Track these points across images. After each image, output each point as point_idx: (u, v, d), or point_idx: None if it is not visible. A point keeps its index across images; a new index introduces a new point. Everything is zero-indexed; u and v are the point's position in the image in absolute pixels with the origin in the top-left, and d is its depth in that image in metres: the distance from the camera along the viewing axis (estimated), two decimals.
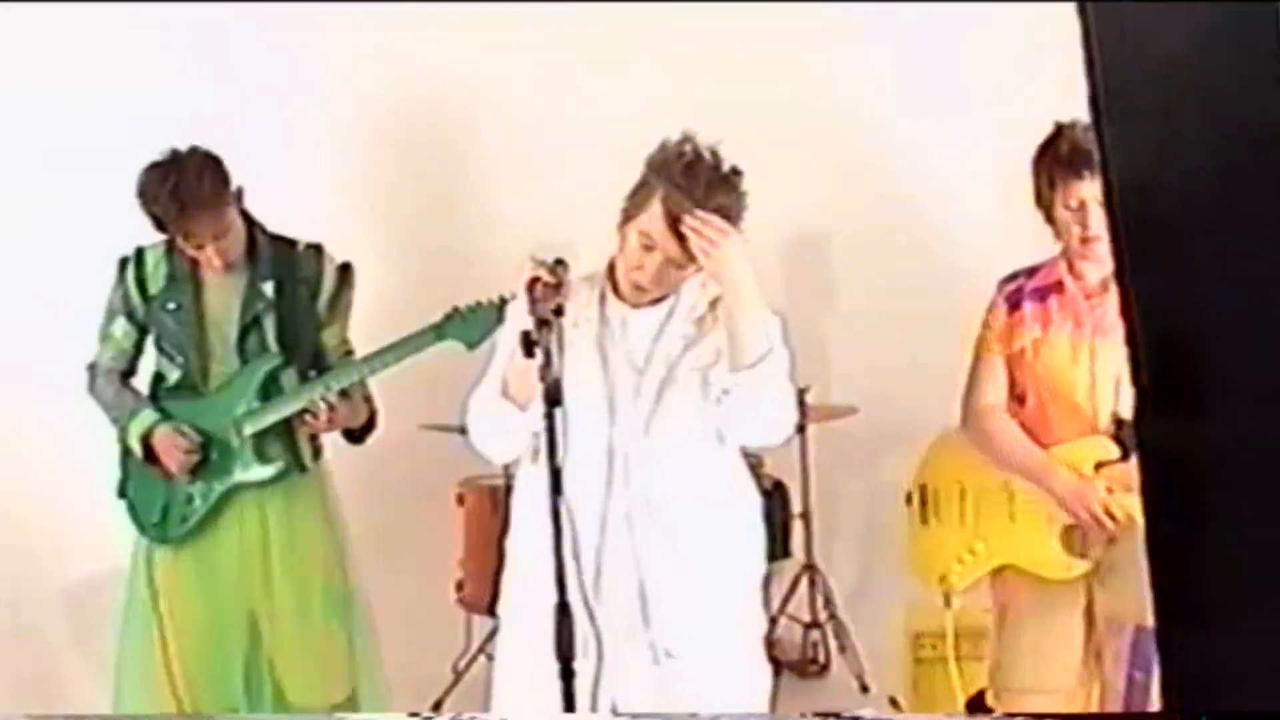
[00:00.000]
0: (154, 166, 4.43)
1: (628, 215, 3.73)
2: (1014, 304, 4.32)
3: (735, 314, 3.65)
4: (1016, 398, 4.36)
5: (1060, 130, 4.18)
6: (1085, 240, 4.17)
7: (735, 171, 3.72)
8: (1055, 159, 4.17)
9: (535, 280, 3.55)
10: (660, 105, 5.12)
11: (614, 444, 3.72)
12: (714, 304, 3.76)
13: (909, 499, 4.54)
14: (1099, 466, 4.21)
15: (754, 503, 3.93)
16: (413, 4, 5.75)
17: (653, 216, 3.66)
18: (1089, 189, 4.09)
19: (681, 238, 3.62)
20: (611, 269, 3.83)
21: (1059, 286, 4.26)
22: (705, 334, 3.77)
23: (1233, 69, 1.58)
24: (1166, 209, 1.70)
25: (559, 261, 3.61)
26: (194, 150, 4.44)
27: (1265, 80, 1.55)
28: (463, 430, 4.06)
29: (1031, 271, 4.34)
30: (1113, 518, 4.17)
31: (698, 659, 3.73)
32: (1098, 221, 4.11)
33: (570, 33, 5.87)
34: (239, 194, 4.54)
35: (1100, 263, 4.17)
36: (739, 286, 3.65)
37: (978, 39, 5.81)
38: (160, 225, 4.47)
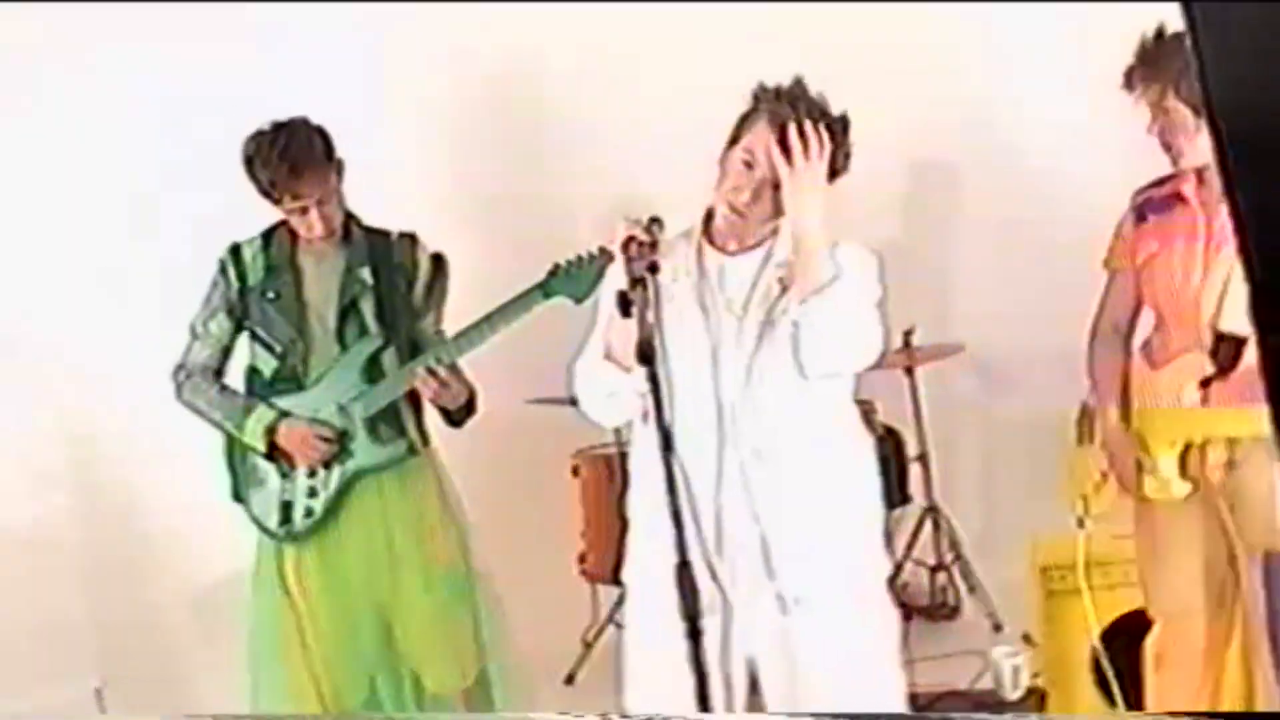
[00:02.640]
0: (261, 133, 4.51)
1: (733, 139, 3.73)
2: (1140, 215, 4.25)
3: (799, 244, 3.62)
4: (1155, 313, 4.30)
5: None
6: (1177, 156, 4.11)
7: (842, 118, 3.70)
8: (1133, 73, 4.11)
9: (630, 239, 3.53)
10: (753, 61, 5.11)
11: (721, 395, 3.68)
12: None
13: (1075, 420, 4.49)
14: (1204, 383, 4.14)
15: (867, 444, 3.89)
16: None
17: (758, 131, 3.67)
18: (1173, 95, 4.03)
19: (786, 150, 3.59)
20: (706, 222, 3.79)
21: (1180, 197, 4.18)
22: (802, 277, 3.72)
23: None
24: (1269, 117, 1.65)
25: (654, 220, 3.59)
26: (300, 118, 4.53)
27: None
28: (571, 401, 4.04)
29: (1162, 181, 4.25)
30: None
31: (825, 606, 3.69)
32: (1174, 126, 4.05)
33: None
34: (340, 166, 4.59)
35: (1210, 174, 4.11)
36: (803, 217, 3.61)
37: None
38: (268, 188, 4.51)
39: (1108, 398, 4.29)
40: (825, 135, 3.62)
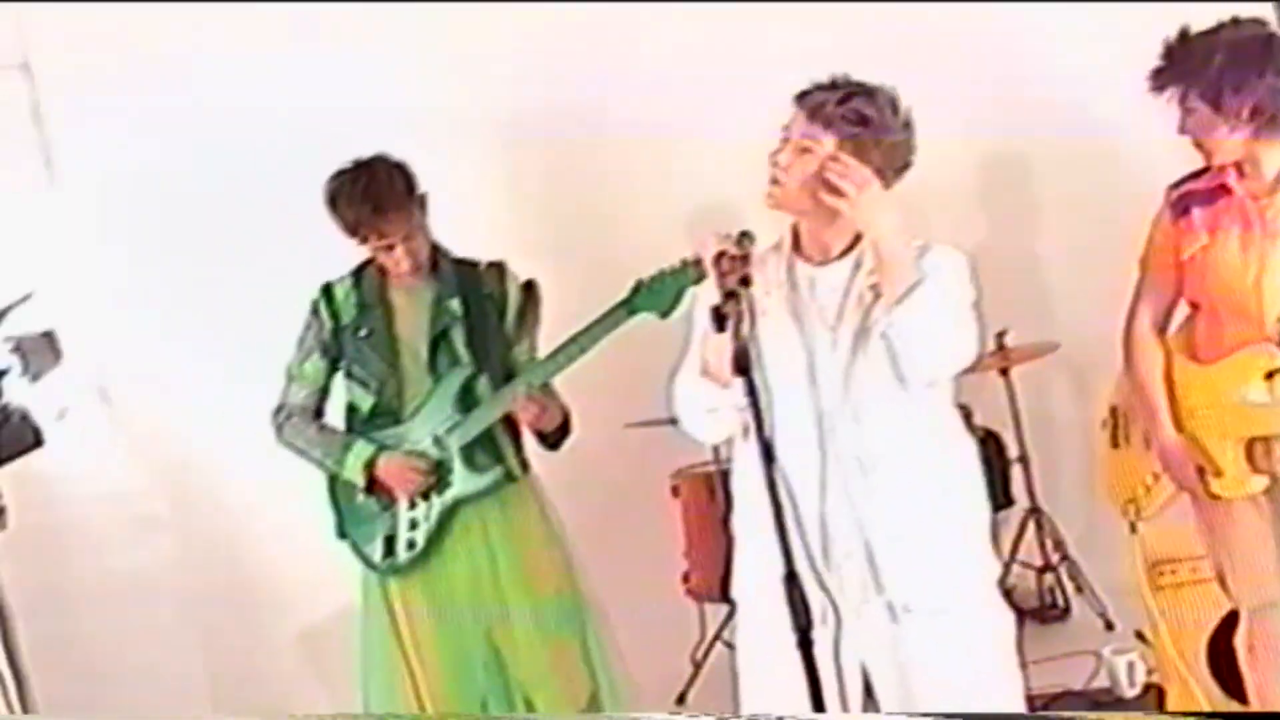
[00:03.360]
0: (343, 173, 4.56)
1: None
2: (1181, 210, 4.19)
3: (878, 253, 3.60)
4: (1192, 307, 4.25)
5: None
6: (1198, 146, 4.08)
7: (890, 105, 3.69)
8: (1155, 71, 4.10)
9: (721, 254, 3.53)
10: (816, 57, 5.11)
11: (820, 406, 3.66)
12: (908, 249, 3.69)
13: (1104, 422, 4.48)
14: (1270, 375, 4.09)
15: (969, 447, 3.85)
16: None
17: (797, 118, 3.67)
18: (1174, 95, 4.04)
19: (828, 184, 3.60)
20: (795, 233, 3.78)
21: (1225, 189, 4.13)
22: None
23: None
24: None
25: (744, 234, 3.58)
26: (380, 156, 4.58)
27: None
28: (668, 422, 4.03)
29: (1200, 174, 4.21)
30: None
31: (935, 612, 3.66)
32: (1200, 125, 4.03)
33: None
34: (424, 200, 4.63)
35: (1265, 163, 4.07)
36: (878, 225, 3.59)
37: None
38: (353, 228, 4.56)
39: (1156, 401, 4.24)
40: (856, 165, 3.60)
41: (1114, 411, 4.46)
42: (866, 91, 3.68)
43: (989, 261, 3.97)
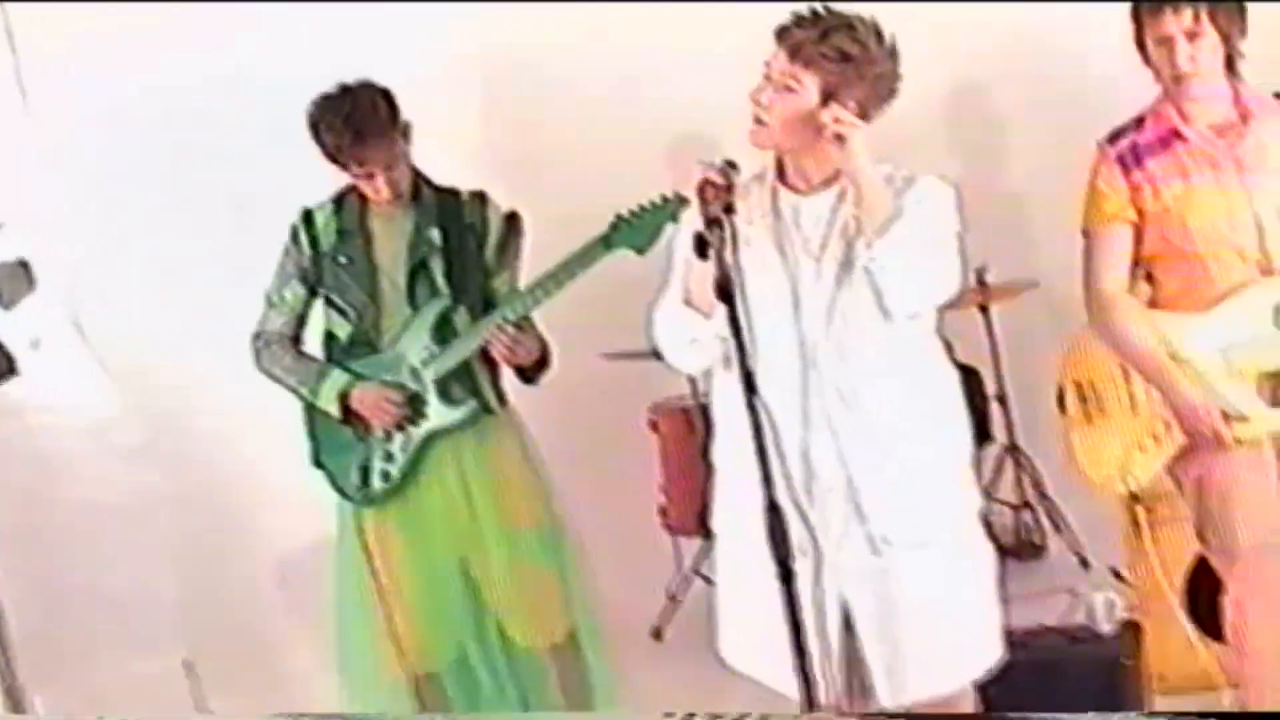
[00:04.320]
0: (326, 98, 4.53)
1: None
2: (1133, 162, 4.16)
3: (856, 186, 3.59)
4: (1156, 261, 4.21)
5: None
6: (1176, 79, 4.05)
7: (874, 35, 3.66)
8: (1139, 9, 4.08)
9: (705, 183, 3.50)
10: None
11: (803, 337, 3.64)
12: (891, 178, 3.67)
13: (1061, 400, 4.42)
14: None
15: (952, 379, 3.83)
16: None
17: (778, 56, 3.64)
18: (1174, 23, 4.00)
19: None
20: (779, 163, 3.75)
21: (1177, 134, 4.11)
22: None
23: None
24: None
25: (728, 163, 3.55)
26: (364, 82, 4.54)
27: None
28: (646, 354, 4.01)
29: (1137, 124, 4.19)
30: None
31: (916, 544, 3.65)
32: (1185, 58, 4.02)
33: None
34: (406, 129, 4.59)
35: (1202, 102, 4.06)
36: (853, 159, 3.57)
37: None
38: (334, 154, 4.53)
39: (1158, 364, 4.18)
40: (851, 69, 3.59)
41: (1078, 386, 4.40)
42: (847, 25, 3.64)
43: (963, 197, 3.96)
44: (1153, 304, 4.25)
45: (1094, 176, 4.23)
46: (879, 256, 3.52)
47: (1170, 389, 4.18)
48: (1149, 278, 4.27)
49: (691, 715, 3.51)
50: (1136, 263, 4.24)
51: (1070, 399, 4.41)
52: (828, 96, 3.60)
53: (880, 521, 3.65)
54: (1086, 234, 4.28)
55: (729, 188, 3.50)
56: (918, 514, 3.66)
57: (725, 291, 3.39)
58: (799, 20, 3.67)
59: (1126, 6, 4.19)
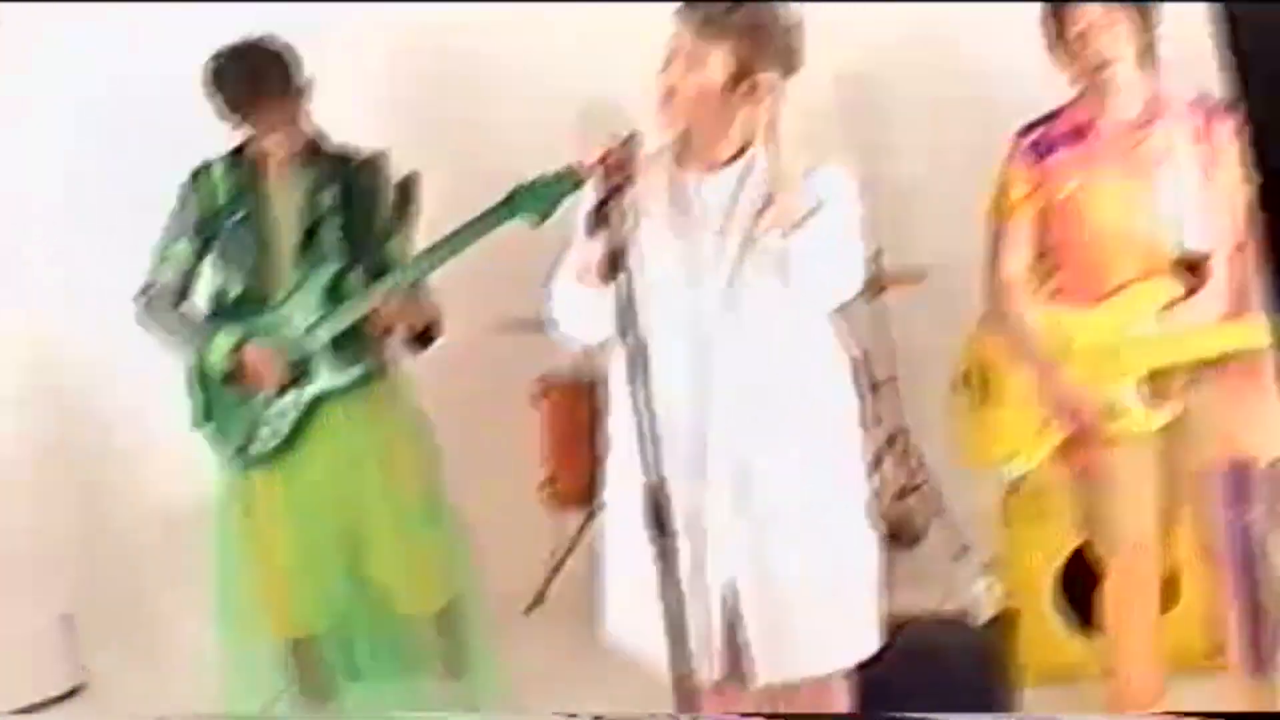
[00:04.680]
0: (224, 53, 4.48)
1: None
2: (1042, 153, 4.21)
3: (771, 171, 3.59)
4: (1058, 252, 4.27)
5: None
6: (1096, 69, 4.10)
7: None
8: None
9: (607, 155, 3.49)
10: None
11: (701, 312, 3.64)
12: (796, 160, 3.67)
13: (955, 385, 4.49)
14: (1166, 307, 4.13)
15: (844, 365, 3.85)
16: None
17: (683, 32, 3.63)
18: (1088, 15, 4.07)
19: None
20: (682, 139, 3.74)
21: (1090, 127, 4.17)
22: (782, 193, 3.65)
23: None
24: None
25: (631, 135, 3.53)
26: (264, 39, 4.50)
27: None
28: (538, 326, 4.00)
29: (1052, 117, 4.24)
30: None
31: (802, 528, 3.66)
32: (1102, 46, 4.08)
33: None
34: (307, 87, 4.55)
35: (1119, 97, 4.12)
36: (775, 142, 3.58)
37: None
38: (230, 109, 4.49)
39: (1041, 354, 4.24)
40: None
41: (974, 371, 4.45)
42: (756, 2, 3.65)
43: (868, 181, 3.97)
44: (1053, 295, 4.29)
45: (1004, 165, 4.28)
46: (797, 248, 3.52)
47: (1052, 380, 4.23)
48: (1052, 269, 4.31)
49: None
50: (1042, 254, 4.29)
51: (966, 383, 4.46)
52: (741, 70, 3.60)
53: (768, 503, 3.66)
54: (991, 222, 4.32)
55: (631, 160, 3.49)
56: (805, 497, 3.67)
57: (615, 264, 3.37)
58: None
59: (1025, 6, 4.26)
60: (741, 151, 3.67)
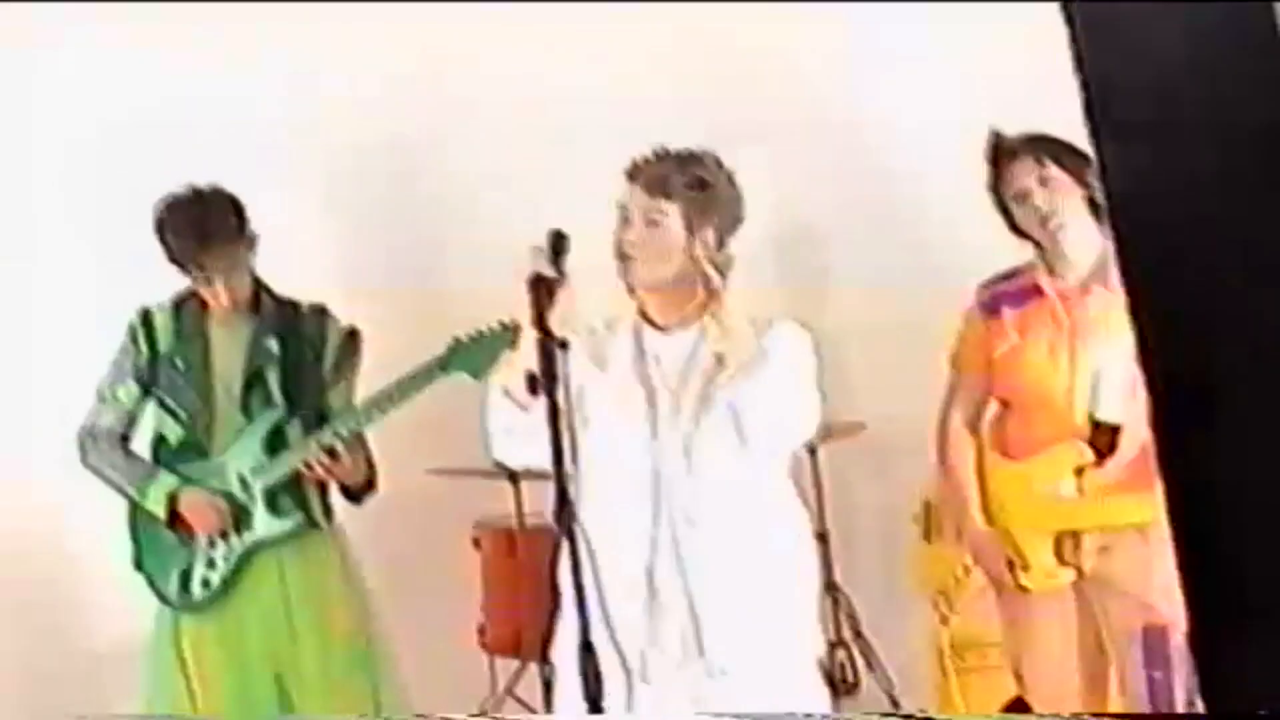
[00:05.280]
0: (174, 200, 4.52)
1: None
2: (991, 310, 4.32)
3: (722, 324, 3.70)
4: (1002, 404, 4.38)
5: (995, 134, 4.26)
6: (1042, 223, 4.20)
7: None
8: (994, 160, 4.25)
9: (538, 279, 3.51)
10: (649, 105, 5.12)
11: (659, 467, 3.71)
12: (754, 321, 3.78)
13: (916, 517, 4.59)
14: (1079, 471, 4.22)
15: (801, 519, 3.92)
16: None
17: (635, 193, 3.75)
18: (1024, 175, 4.18)
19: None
20: (640, 304, 3.82)
21: (1037, 290, 4.27)
22: (738, 354, 3.75)
23: (1231, 69, 1.56)
24: (1166, 212, 1.70)
25: (557, 237, 3.55)
26: (214, 188, 4.54)
27: (1266, 80, 1.54)
28: (474, 473, 4.04)
29: (1010, 275, 4.35)
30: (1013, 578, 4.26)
31: (753, 679, 3.70)
32: (1042, 201, 4.17)
33: (550, 28, 5.83)
34: (253, 239, 4.60)
35: (1074, 262, 4.22)
36: (720, 294, 3.72)
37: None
38: (176, 256, 4.52)
39: (968, 495, 4.35)
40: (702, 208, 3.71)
41: (927, 506, 4.55)
42: (697, 157, 3.77)
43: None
44: (994, 445, 4.38)
45: (963, 318, 4.40)
46: (742, 395, 3.62)
47: (968, 524, 4.35)
48: (998, 420, 4.41)
49: None
50: (1001, 404, 4.40)
51: (920, 517, 4.56)
52: (689, 227, 3.71)
53: (718, 653, 3.69)
54: (947, 369, 4.45)
55: (560, 276, 3.52)
56: (757, 650, 3.72)
57: (534, 387, 3.40)
58: (650, 158, 3.77)
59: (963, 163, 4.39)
60: (698, 313, 3.77)
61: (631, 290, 3.82)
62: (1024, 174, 4.21)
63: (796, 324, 3.81)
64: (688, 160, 3.76)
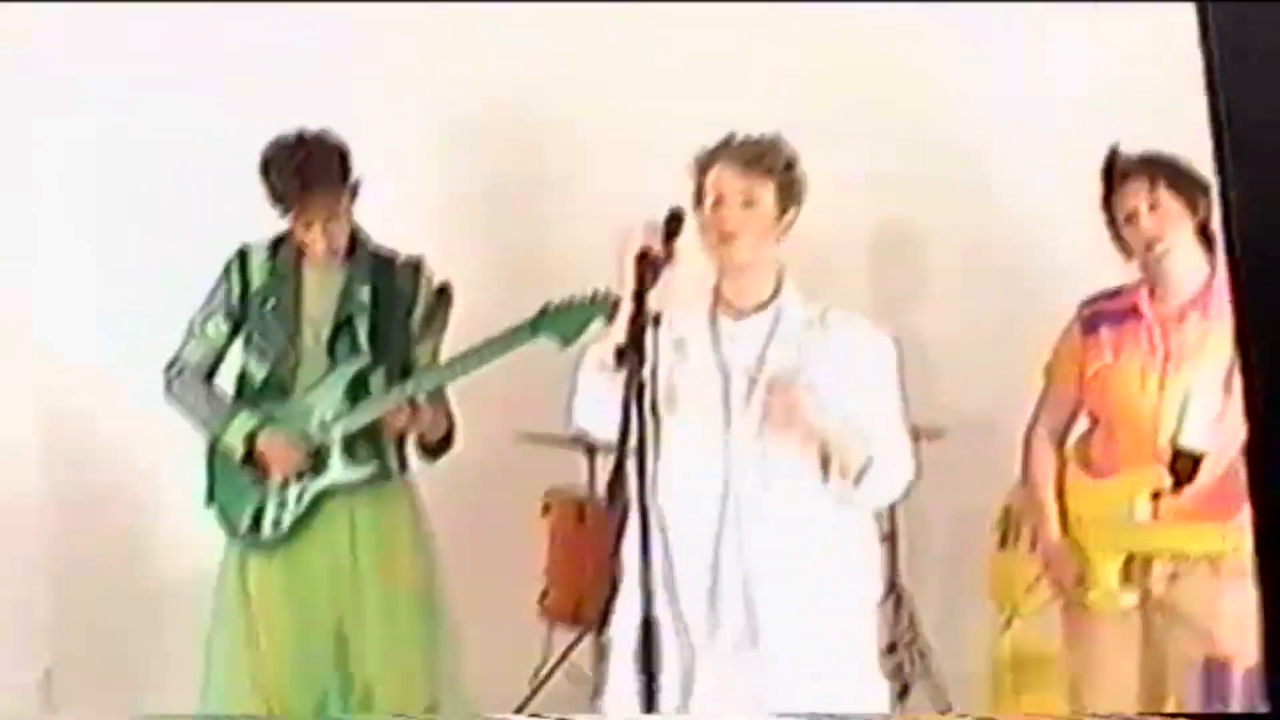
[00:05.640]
0: (281, 143, 4.55)
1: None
2: (1090, 327, 4.33)
3: (830, 440, 3.72)
4: (1091, 420, 4.39)
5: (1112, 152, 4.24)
6: (1146, 247, 4.19)
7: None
8: (1108, 178, 4.24)
9: (645, 254, 3.53)
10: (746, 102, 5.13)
11: (731, 452, 3.73)
12: (823, 315, 3.81)
13: (996, 523, 4.60)
14: (1155, 495, 4.20)
15: (869, 525, 3.95)
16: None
17: (724, 174, 3.77)
18: (1135, 196, 4.17)
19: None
20: (717, 288, 3.82)
21: (1135, 311, 4.27)
22: (814, 342, 3.79)
23: None
24: None
25: (672, 217, 3.61)
26: (322, 132, 4.56)
27: None
28: (552, 440, 4.04)
29: (1113, 294, 4.35)
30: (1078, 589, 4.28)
31: (809, 673, 3.71)
32: (1149, 226, 4.17)
33: (624, 28, 5.84)
34: (355, 187, 4.62)
35: (1175, 288, 4.22)
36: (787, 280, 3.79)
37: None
38: (278, 198, 4.55)
39: (1046, 505, 4.38)
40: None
41: (1007, 513, 4.56)
42: (778, 141, 3.83)
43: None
44: (1080, 461, 4.39)
45: (1064, 331, 4.41)
46: (859, 500, 3.75)
47: (1044, 534, 4.37)
48: (1088, 436, 4.42)
49: None
50: (1092, 421, 4.41)
51: (1000, 522, 4.56)
52: (780, 208, 3.77)
53: (773, 647, 3.71)
54: (1041, 380, 4.46)
55: (669, 256, 3.55)
56: (813, 649, 3.73)
57: (623, 358, 3.39)
58: (729, 142, 3.80)
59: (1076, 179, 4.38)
60: (771, 299, 3.79)
61: (718, 271, 3.82)
62: (1134, 196, 4.21)
63: (884, 339, 3.86)
64: (775, 142, 3.81)
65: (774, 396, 3.67)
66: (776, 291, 3.81)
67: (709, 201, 3.76)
